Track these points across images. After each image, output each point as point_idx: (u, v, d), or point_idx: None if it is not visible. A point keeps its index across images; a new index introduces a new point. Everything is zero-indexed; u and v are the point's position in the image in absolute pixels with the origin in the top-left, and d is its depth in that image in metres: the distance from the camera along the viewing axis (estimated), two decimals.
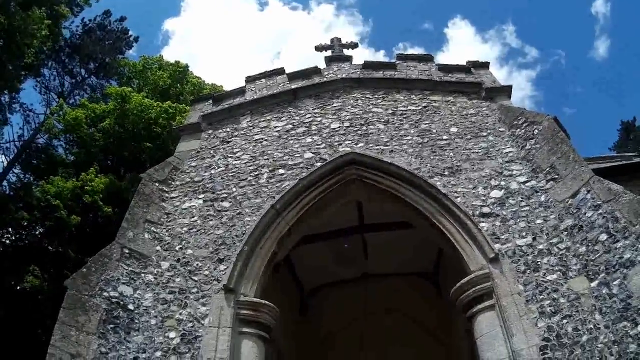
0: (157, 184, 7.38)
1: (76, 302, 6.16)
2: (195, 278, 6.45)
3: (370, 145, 7.46)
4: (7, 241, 18.08)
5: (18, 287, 15.60)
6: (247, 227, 6.60)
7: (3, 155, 19.71)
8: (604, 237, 5.77)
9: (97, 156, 16.25)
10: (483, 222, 6.28)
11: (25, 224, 17.45)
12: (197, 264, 6.55)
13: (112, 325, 6.14)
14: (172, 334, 6.12)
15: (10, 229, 17.60)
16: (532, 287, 5.81)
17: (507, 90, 8.31)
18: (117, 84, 19.14)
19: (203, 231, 6.83)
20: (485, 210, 6.43)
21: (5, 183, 18.73)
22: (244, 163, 7.60)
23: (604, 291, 5.53)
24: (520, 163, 6.92)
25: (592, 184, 6.09)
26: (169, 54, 54.10)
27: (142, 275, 6.61)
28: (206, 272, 6.44)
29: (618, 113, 48.07)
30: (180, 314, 6.23)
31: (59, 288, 6.34)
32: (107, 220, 13.52)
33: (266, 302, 6.26)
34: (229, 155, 7.82)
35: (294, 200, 6.77)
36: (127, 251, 6.71)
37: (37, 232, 18.05)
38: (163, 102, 16.00)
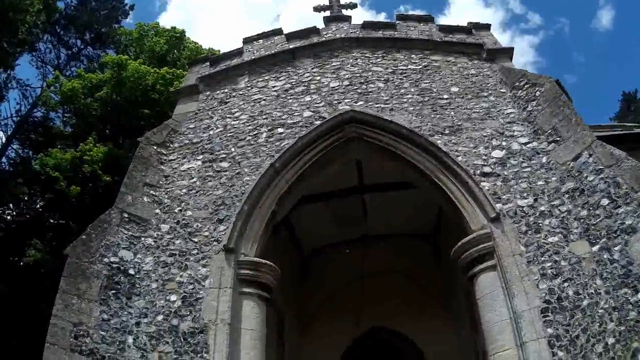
0: (155, 147, 7.31)
1: (76, 269, 6.17)
2: (195, 239, 6.43)
3: (370, 103, 7.37)
4: (9, 217, 18.13)
5: (21, 263, 15.68)
6: (246, 186, 6.55)
7: (1, 132, 19.66)
8: (605, 201, 5.76)
9: (95, 126, 16.09)
10: (484, 181, 6.24)
11: (26, 198, 17.48)
12: (197, 226, 6.52)
13: (113, 291, 6.16)
14: (173, 297, 6.14)
15: (10, 205, 17.63)
16: (533, 248, 5.81)
17: (508, 52, 8.19)
18: (114, 54, 18.85)
19: (202, 192, 6.79)
20: (487, 169, 6.38)
21: (4, 160, 18.70)
22: (243, 123, 7.51)
23: (605, 256, 5.54)
24: (521, 124, 6.85)
25: (595, 148, 6.05)
26: (166, 21, 53.28)
27: (142, 239, 6.60)
28: (206, 233, 6.42)
29: (620, 84, 47.62)
30: (180, 276, 6.23)
31: (60, 261, 6.33)
32: (107, 189, 13.44)
33: (266, 261, 6.25)
34: (227, 116, 7.73)
35: (294, 159, 6.71)
36: (126, 216, 6.68)
37: (38, 206, 18.07)
38: (160, 69, 15.79)
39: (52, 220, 17.49)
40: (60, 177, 14.52)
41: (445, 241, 9.23)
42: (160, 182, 7.04)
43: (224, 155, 7.09)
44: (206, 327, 5.84)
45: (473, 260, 6.00)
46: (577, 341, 5.28)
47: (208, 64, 9.05)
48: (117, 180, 11.66)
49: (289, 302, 10.59)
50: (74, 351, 5.74)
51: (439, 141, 6.57)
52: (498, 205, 6.04)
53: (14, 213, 18.17)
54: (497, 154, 6.54)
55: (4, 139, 19.23)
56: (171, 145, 7.46)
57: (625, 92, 32.61)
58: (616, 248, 5.54)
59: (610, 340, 5.21)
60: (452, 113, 7.06)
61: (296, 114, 7.44)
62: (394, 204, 9.77)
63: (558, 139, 6.41)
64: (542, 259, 5.75)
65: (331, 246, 11.98)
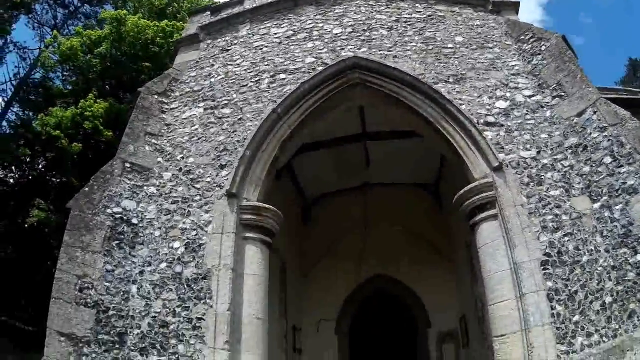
0: (156, 96, 7.26)
1: (80, 222, 6.20)
2: (198, 186, 6.44)
3: (374, 50, 7.25)
4: (11, 180, 18.17)
5: (25, 225, 15.76)
6: (248, 132, 6.52)
7: (0, 97, 19.50)
8: (608, 159, 5.76)
9: (95, 82, 15.97)
10: (487, 130, 6.22)
11: (28, 159, 17.46)
12: (199, 172, 6.53)
13: (116, 242, 6.21)
14: (176, 244, 6.20)
15: (13, 167, 17.63)
16: (535, 200, 5.82)
17: (514, 6, 8.00)
18: (112, 9, 18.49)
19: (204, 139, 6.77)
20: (490, 119, 6.35)
21: (4, 123, 18.63)
22: (244, 70, 7.42)
23: (605, 214, 5.57)
24: (526, 77, 6.78)
25: (599, 105, 6.02)
26: None
27: (145, 188, 6.62)
28: (208, 179, 6.43)
29: (626, 49, 46.85)
30: (183, 222, 6.28)
31: (64, 218, 6.36)
32: (109, 144, 13.44)
33: (269, 206, 6.26)
34: (229, 63, 7.62)
35: (296, 104, 6.65)
36: (128, 165, 6.68)
37: (40, 166, 18.09)
38: (160, 22, 15.55)
39: (54, 180, 17.54)
40: (61, 136, 14.47)
41: (447, 191, 9.27)
42: (162, 131, 7.02)
43: (226, 102, 7.02)
44: (209, 272, 5.91)
45: (475, 209, 6.02)
46: (575, 297, 5.35)
47: (209, 13, 8.88)
48: (119, 135, 11.65)
49: (291, 248, 10.72)
50: (79, 304, 5.84)
51: (442, 89, 6.50)
52: (501, 155, 6.03)
53: (17, 175, 18.22)
54: (501, 104, 6.49)
55: (3, 104, 19.14)
56: (172, 94, 7.40)
57: (632, 59, 32.26)
58: (617, 207, 5.57)
59: (608, 299, 5.29)
60: (456, 62, 6.96)
61: (298, 60, 7.33)
62: (397, 152, 9.74)
63: (562, 94, 6.35)
64: (544, 211, 5.77)
65: (333, 194, 12.03)
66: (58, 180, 16.96)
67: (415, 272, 11.69)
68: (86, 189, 6.57)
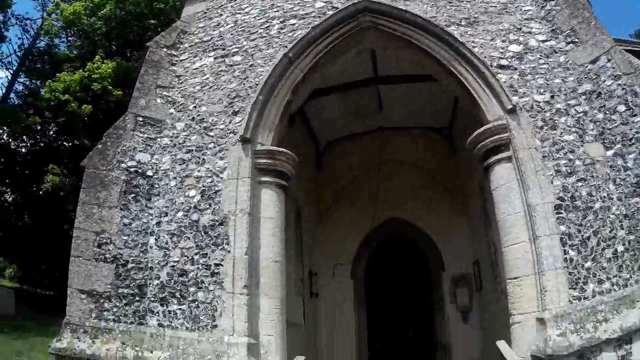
0: (165, 50, 7.21)
1: (95, 179, 6.29)
2: (211, 133, 6.46)
3: None
4: (24, 150, 18.31)
5: (40, 192, 15.96)
6: (260, 77, 6.47)
7: (6, 70, 19.45)
8: (622, 108, 5.75)
9: (102, 44, 15.96)
10: (501, 73, 6.14)
11: (38, 127, 17.56)
12: (213, 120, 6.53)
13: (132, 195, 6.29)
14: (192, 192, 6.26)
15: (24, 137, 17.74)
16: (549, 144, 5.81)
17: None
18: None
19: (216, 87, 6.73)
20: (504, 62, 6.26)
21: (12, 95, 18.65)
22: (254, 17, 7.28)
23: (619, 162, 5.58)
24: (539, 22, 6.62)
25: (614, 53, 5.96)
26: None
27: (158, 139, 6.65)
28: (222, 127, 6.44)
29: None
30: (198, 171, 6.32)
31: (78, 181, 6.41)
32: (119, 103, 13.51)
33: (283, 149, 6.28)
34: (237, 12, 7.48)
35: (307, 48, 6.56)
36: (140, 119, 6.71)
37: (51, 132, 18.20)
38: None
39: (66, 144, 17.69)
40: (71, 99, 14.57)
41: (460, 135, 9.24)
42: (173, 83, 7.00)
43: (236, 50, 6.95)
44: (226, 218, 5.98)
45: (488, 151, 6.01)
46: (588, 243, 5.40)
47: None
48: (128, 93, 11.67)
49: (305, 193, 10.81)
50: (98, 260, 5.99)
51: (455, 32, 6.38)
52: (515, 98, 5.98)
53: (28, 144, 18.34)
54: (515, 48, 6.38)
55: (9, 76, 19.10)
56: (181, 46, 7.32)
57: None
58: (630, 156, 5.59)
59: (620, 248, 5.36)
60: (468, 5, 6.79)
61: (308, 5, 7.15)
62: (409, 97, 9.67)
63: (576, 40, 6.24)
64: (557, 155, 5.77)
65: (347, 138, 12.01)
66: (70, 144, 17.11)
67: (429, 216, 11.76)
68: (99, 146, 6.62)
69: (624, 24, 49.61)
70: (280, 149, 6.27)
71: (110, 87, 13.95)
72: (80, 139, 15.48)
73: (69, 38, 18.67)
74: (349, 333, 11.66)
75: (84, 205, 6.20)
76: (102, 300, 5.89)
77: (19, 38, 19.93)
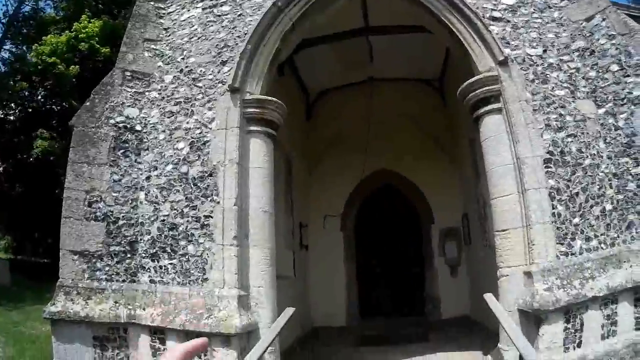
0: (152, 3, 7.04)
1: (83, 137, 6.22)
2: (200, 84, 6.37)
3: None
4: (12, 117, 17.99)
5: (31, 159, 15.75)
6: (249, 26, 6.35)
7: None
8: (615, 67, 5.74)
9: (88, 3, 15.53)
10: (493, 25, 6.07)
11: (26, 93, 17.24)
12: (201, 70, 6.43)
13: (122, 151, 6.25)
14: (180, 145, 6.22)
15: (12, 105, 17.42)
16: (540, 97, 5.80)
17: None
18: None
19: (204, 37, 6.61)
20: (496, 14, 6.18)
21: None
22: None
23: (610, 121, 5.61)
24: None
25: (609, 13, 5.92)
26: None
27: (146, 93, 6.58)
28: (210, 77, 6.34)
29: None
30: (187, 122, 6.27)
31: (68, 144, 6.33)
32: (107, 61, 13.26)
33: (272, 98, 6.21)
34: None
35: None
36: (128, 74, 6.62)
37: (39, 97, 17.90)
38: None
39: (55, 108, 17.42)
40: (58, 62, 14.29)
41: (451, 87, 9.17)
42: (161, 36, 6.86)
43: (224, 0, 6.80)
44: (215, 169, 5.95)
45: (479, 102, 5.98)
46: (576, 199, 5.44)
47: None
48: (116, 51, 11.46)
49: (296, 144, 10.78)
50: (89, 219, 5.99)
51: None
52: (506, 50, 5.93)
53: (17, 111, 18.04)
54: (508, 0, 6.28)
55: None
56: None
57: None
58: (622, 116, 5.62)
59: (608, 207, 5.43)
60: None
61: None
62: (401, 47, 9.57)
63: None
64: (548, 109, 5.77)
65: (337, 89, 11.96)
66: (59, 107, 16.84)
67: (419, 168, 11.85)
68: (87, 103, 6.54)
69: None
70: (269, 98, 6.19)
71: (98, 46, 13.67)
72: (69, 101, 15.22)
73: (54, 0, 18.26)
74: (339, 286, 11.87)
75: (73, 165, 6.16)
76: (94, 260, 5.91)
77: (4, 5, 19.31)
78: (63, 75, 14.12)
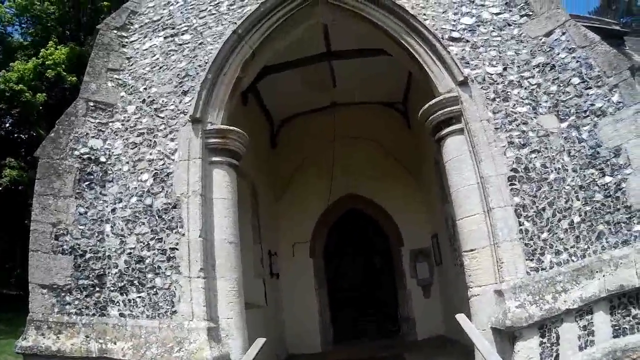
0: (115, 32, 6.97)
1: (49, 169, 6.13)
2: (162, 115, 6.31)
3: None
4: None
5: (0, 188, 15.46)
6: (210, 55, 6.33)
7: None
8: (576, 80, 5.81)
9: (55, 29, 15.43)
10: (452, 45, 6.14)
11: None
12: (163, 100, 6.37)
13: (87, 183, 6.17)
14: (144, 176, 6.14)
15: None
16: (501, 115, 5.85)
17: None
18: None
19: (166, 67, 6.56)
20: (455, 35, 6.25)
21: None
22: None
23: (573, 134, 5.65)
24: None
25: (568, 27, 6.01)
26: None
27: (110, 124, 6.50)
28: (172, 107, 6.29)
29: None
30: (150, 154, 6.20)
31: (36, 173, 6.23)
32: (74, 89, 13.12)
33: (234, 128, 6.17)
34: None
35: (257, 24, 6.40)
36: (92, 104, 6.54)
37: (7, 125, 17.62)
38: None
39: (23, 136, 17.16)
40: (25, 89, 14.11)
41: (415, 109, 9.21)
42: (123, 65, 6.78)
43: (186, 28, 6.75)
44: (179, 201, 5.89)
45: (440, 123, 6.02)
46: (543, 214, 5.47)
47: None
48: (83, 81, 11.34)
49: (261, 172, 10.76)
50: (56, 252, 5.89)
51: (406, 4, 6.31)
52: (466, 70, 5.99)
53: None
54: (467, 20, 6.36)
55: None
56: (132, 27, 7.06)
57: None
58: (585, 128, 5.67)
59: (576, 219, 5.45)
60: None
61: None
62: (363, 71, 9.66)
63: (530, 13, 6.27)
64: (510, 127, 5.82)
65: (301, 115, 11.99)
66: (26, 136, 16.60)
67: (386, 191, 11.90)
68: (52, 134, 6.44)
69: (583, 1, 50.44)
70: (231, 128, 6.16)
71: (65, 73, 13.53)
72: (37, 129, 15.02)
73: (22, 25, 18.11)
74: (312, 312, 11.79)
75: (39, 197, 6.05)
76: (63, 294, 5.79)
77: None
78: (30, 103, 13.96)
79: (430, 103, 6.03)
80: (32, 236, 5.91)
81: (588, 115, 5.72)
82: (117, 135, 6.42)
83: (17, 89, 13.99)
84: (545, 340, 5.10)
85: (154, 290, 5.77)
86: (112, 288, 5.87)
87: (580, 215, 5.49)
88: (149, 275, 5.81)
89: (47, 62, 13.74)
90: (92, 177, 6.24)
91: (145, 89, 6.57)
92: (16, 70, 14.37)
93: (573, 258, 5.39)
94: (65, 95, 13.83)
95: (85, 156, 6.31)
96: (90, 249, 5.97)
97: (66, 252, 5.91)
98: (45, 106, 14.19)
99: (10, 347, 8.23)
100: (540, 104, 5.89)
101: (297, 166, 12.05)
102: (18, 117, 15.86)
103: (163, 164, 6.08)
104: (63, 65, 13.67)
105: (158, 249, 5.85)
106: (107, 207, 6.14)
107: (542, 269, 5.35)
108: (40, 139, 14.34)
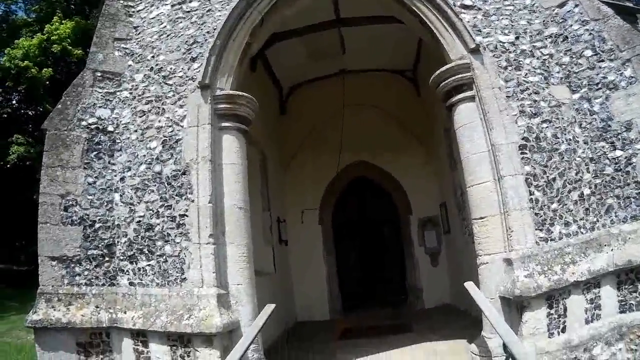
0: (121, 1, 6.88)
1: (56, 140, 6.10)
2: (170, 82, 6.26)
3: None
4: None
5: (7, 165, 15.52)
6: (218, 22, 6.24)
7: None
8: (589, 52, 5.75)
9: (60, 4, 15.30)
10: (464, 13, 6.05)
11: (1, 99, 16.98)
12: (171, 68, 6.32)
13: (95, 152, 6.16)
14: (153, 144, 6.12)
15: None
16: (513, 84, 5.79)
17: None
18: None
19: (174, 34, 6.49)
20: (467, 2, 6.15)
21: None
22: None
23: (585, 106, 5.61)
24: None
25: None
26: None
27: (118, 93, 6.47)
28: (180, 74, 6.24)
29: None
30: (159, 121, 6.17)
31: (44, 147, 6.23)
32: (80, 62, 13.11)
33: (243, 93, 6.12)
34: None
35: None
36: (99, 74, 6.50)
37: (14, 102, 17.64)
38: None
39: (30, 112, 17.19)
40: (31, 65, 14.08)
41: (425, 77, 9.13)
42: (130, 34, 6.72)
43: None
44: (188, 167, 5.86)
45: (451, 90, 5.96)
46: (553, 184, 5.45)
47: None
48: (89, 52, 11.29)
49: (270, 140, 10.72)
50: (65, 223, 5.88)
51: None
52: (478, 38, 5.91)
53: None
54: None
55: None
56: None
57: None
58: (597, 100, 5.63)
59: (586, 191, 5.44)
60: None
61: None
62: (373, 38, 9.54)
63: None
64: (522, 96, 5.77)
65: (310, 82, 11.85)
66: (33, 112, 16.61)
67: (395, 158, 11.87)
68: (59, 106, 6.41)
69: None
70: (240, 93, 6.10)
71: (70, 47, 13.46)
72: (43, 104, 15.00)
73: (26, 2, 17.98)
74: (320, 279, 11.84)
75: (47, 169, 6.04)
76: (72, 265, 5.81)
77: None
78: (36, 79, 13.93)
79: (442, 70, 5.96)
80: (41, 208, 5.91)
81: (600, 88, 5.68)
82: (125, 104, 6.39)
83: (22, 66, 13.96)
84: (552, 311, 5.11)
85: (164, 257, 5.79)
86: (121, 257, 5.91)
87: (590, 188, 5.48)
88: (159, 243, 5.83)
89: (52, 38, 13.67)
90: (100, 146, 6.23)
91: (152, 57, 6.51)
92: (21, 46, 14.32)
93: (582, 230, 5.38)
94: (71, 70, 13.77)
95: (93, 126, 6.29)
96: (99, 219, 5.99)
97: (75, 222, 5.92)
98: (52, 81, 14.16)
99: (22, 322, 8.35)
100: (552, 75, 5.84)
101: (306, 133, 11.99)
102: (24, 93, 15.85)
103: (172, 131, 6.05)
104: (68, 40, 13.62)
105: (167, 216, 5.85)
106: (115, 176, 6.15)
107: (552, 240, 5.33)
108: (47, 114, 14.30)
